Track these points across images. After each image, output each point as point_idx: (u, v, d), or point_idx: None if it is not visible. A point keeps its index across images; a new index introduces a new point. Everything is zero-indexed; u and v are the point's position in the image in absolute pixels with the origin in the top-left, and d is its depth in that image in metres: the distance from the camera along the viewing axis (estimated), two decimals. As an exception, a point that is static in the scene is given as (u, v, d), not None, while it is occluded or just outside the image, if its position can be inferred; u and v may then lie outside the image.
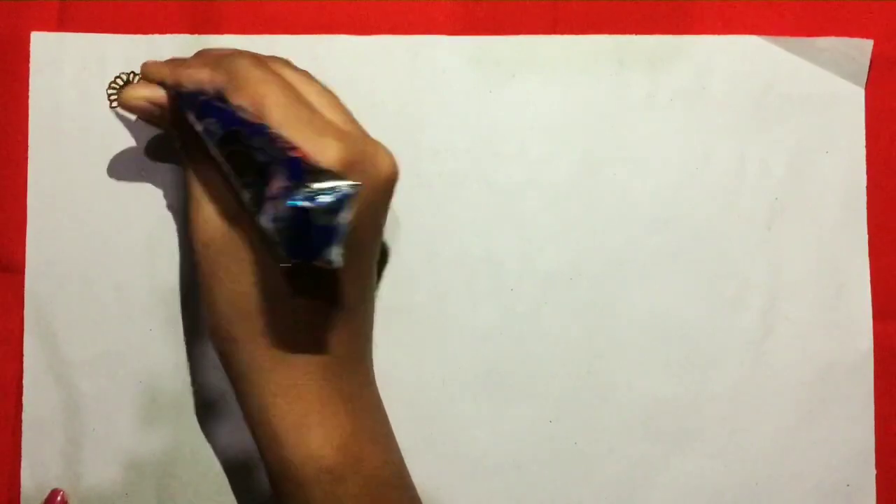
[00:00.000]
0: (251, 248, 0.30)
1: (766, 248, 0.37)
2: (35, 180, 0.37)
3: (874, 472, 0.37)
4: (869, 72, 0.37)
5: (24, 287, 0.36)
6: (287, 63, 0.32)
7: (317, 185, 0.25)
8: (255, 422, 0.31)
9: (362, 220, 0.29)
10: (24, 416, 0.36)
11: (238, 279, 0.30)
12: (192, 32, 0.37)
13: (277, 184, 0.26)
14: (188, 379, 0.37)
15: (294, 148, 0.27)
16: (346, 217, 0.26)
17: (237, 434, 0.36)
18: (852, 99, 0.37)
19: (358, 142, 0.30)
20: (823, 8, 0.38)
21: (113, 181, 0.37)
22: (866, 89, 0.37)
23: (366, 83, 0.37)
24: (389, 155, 0.31)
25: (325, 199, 0.25)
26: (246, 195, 0.28)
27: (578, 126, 0.37)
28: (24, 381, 0.36)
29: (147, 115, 0.33)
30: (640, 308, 0.37)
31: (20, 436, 0.36)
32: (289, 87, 0.30)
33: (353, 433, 0.31)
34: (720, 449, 0.37)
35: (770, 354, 0.37)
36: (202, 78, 0.30)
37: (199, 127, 0.30)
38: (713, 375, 0.37)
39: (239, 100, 0.29)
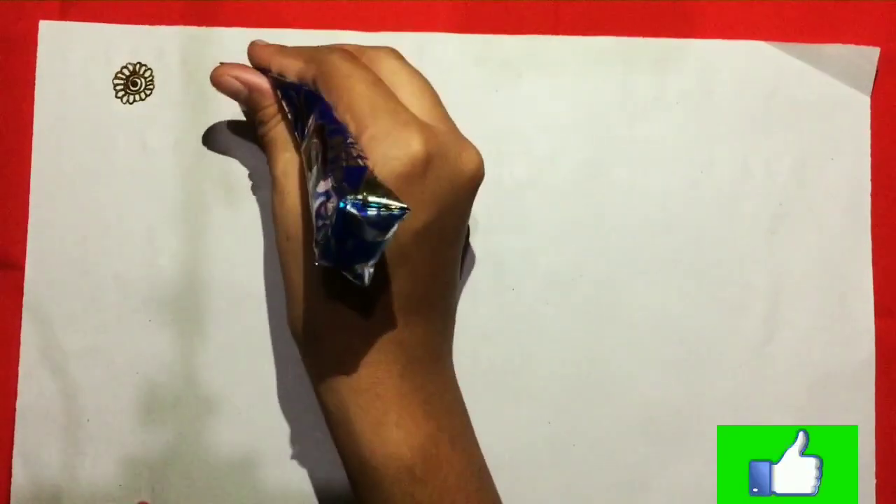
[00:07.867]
0: None
1: (768, 253, 0.37)
2: (38, 170, 0.37)
3: (874, 481, 0.36)
4: (875, 79, 0.37)
5: (22, 285, 0.36)
6: (390, 53, 0.32)
7: (371, 198, 0.25)
8: (334, 420, 0.30)
9: (442, 216, 0.29)
10: (19, 409, 0.36)
11: (316, 274, 0.29)
12: (197, 25, 0.37)
13: (334, 184, 0.26)
14: (187, 374, 0.36)
15: (365, 158, 0.27)
16: (386, 238, 0.25)
17: (235, 429, 0.36)
18: (858, 106, 0.37)
19: (442, 137, 0.29)
20: (829, 14, 0.38)
21: (116, 173, 0.37)
22: (872, 96, 0.37)
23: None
24: (477, 154, 0.30)
25: (372, 212, 0.25)
26: (310, 187, 0.28)
27: (584, 127, 0.37)
28: (20, 375, 0.36)
29: (234, 94, 0.33)
30: (641, 310, 0.37)
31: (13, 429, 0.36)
32: (376, 81, 0.30)
33: (432, 434, 0.30)
34: (719, 455, 0.37)
35: (771, 360, 0.37)
36: (296, 69, 0.31)
37: (291, 116, 0.31)
38: (713, 380, 0.37)
39: (327, 94, 0.29)
